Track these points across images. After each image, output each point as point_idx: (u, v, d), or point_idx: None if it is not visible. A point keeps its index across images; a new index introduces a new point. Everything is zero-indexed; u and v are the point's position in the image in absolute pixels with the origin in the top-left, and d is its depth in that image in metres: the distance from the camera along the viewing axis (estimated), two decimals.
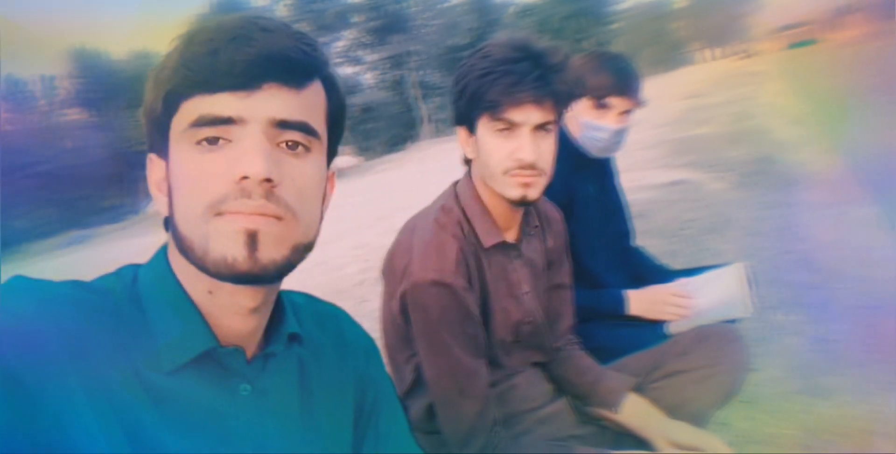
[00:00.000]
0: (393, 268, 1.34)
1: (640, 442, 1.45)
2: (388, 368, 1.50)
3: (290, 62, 0.71)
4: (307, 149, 0.73)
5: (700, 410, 1.53)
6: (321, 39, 21.67)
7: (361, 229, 6.77)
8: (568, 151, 1.90)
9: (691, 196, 4.87)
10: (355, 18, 22.18)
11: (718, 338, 1.58)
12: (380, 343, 1.48)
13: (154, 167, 0.75)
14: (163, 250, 0.78)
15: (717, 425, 1.94)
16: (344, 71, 22.26)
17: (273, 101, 0.70)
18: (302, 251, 0.74)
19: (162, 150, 0.73)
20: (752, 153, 6.46)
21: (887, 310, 2.66)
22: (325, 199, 0.80)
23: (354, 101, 20.98)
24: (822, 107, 8.43)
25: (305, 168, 0.73)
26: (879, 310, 2.67)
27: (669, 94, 15.23)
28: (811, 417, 2.01)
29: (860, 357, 2.31)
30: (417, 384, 1.39)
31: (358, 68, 22.23)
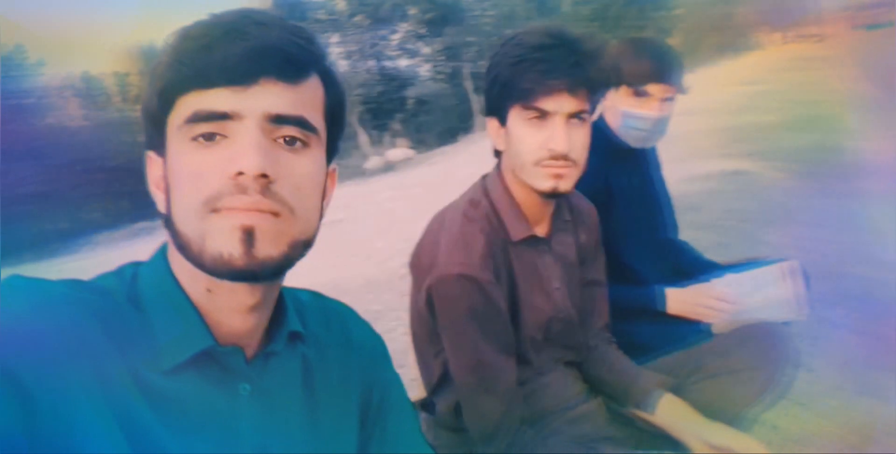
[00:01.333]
0: (420, 262, 1.32)
1: (677, 444, 1.39)
2: (416, 363, 1.49)
3: (286, 56, 0.70)
4: (305, 144, 0.72)
5: (741, 413, 1.46)
6: (378, 32, 21.83)
7: (411, 222, 6.76)
8: (606, 142, 1.84)
9: (748, 187, 4.68)
10: (411, 10, 22.27)
11: (763, 337, 1.50)
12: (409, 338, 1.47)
13: (152, 165, 0.74)
14: (162, 249, 0.77)
15: (765, 427, 1.86)
16: (400, 63, 22.36)
17: (269, 96, 0.69)
18: (300, 247, 0.73)
19: (160, 147, 0.72)
20: (817, 142, 6.18)
21: None
22: (325, 194, 0.78)
23: (409, 94, 21.07)
24: (880, 92, 7.99)
25: (303, 163, 0.72)
26: None
27: (732, 81, 14.70)
28: (867, 419, 1.90)
29: None
30: (445, 380, 1.37)
31: (414, 60, 22.29)
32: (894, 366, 2.12)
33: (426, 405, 1.47)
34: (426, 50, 22.04)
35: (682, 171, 5.37)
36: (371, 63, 21.74)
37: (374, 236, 5.15)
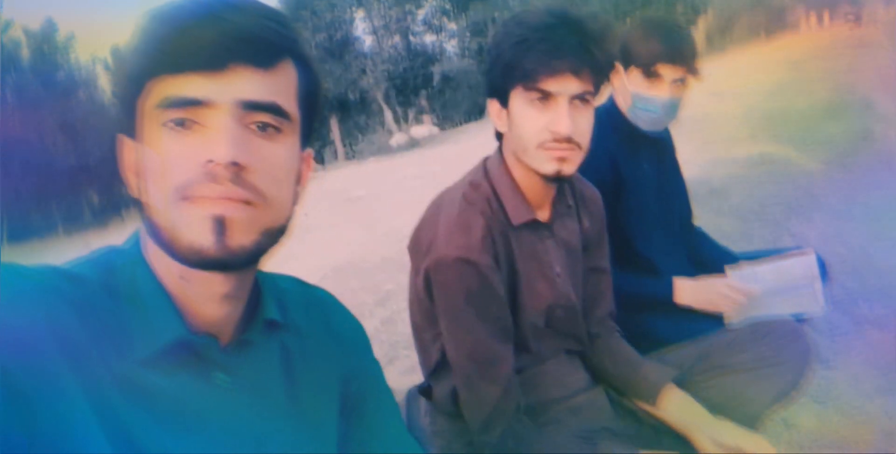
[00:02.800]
0: (418, 244, 1.30)
1: (680, 439, 1.35)
2: (414, 347, 1.46)
3: (258, 41, 0.68)
4: (278, 130, 0.70)
5: (750, 410, 1.42)
6: (404, 7, 21.60)
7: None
8: (616, 126, 1.79)
9: (776, 173, 4.55)
10: None
11: (778, 333, 1.45)
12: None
13: (124, 148, 0.73)
14: (136, 235, 0.76)
15: (780, 425, 1.81)
16: (425, 39, 22.18)
17: (240, 82, 0.67)
18: (274, 235, 0.71)
19: (131, 130, 0.71)
20: (852, 129, 5.97)
21: None
22: (300, 180, 0.77)
23: (435, 70, 20.90)
24: None
25: (276, 150, 0.70)
26: None
27: (767, 63, 14.30)
28: (891, 420, 1.83)
29: None
30: (443, 365, 1.35)
31: (439, 36, 22.10)
32: None
33: (424, 390, 1.45)
34: (452, 25, 21.83)
35: (707, 155, 5.24)
36: (396, 39, 21.57)
37: (393, 214, 5.11)
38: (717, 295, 1.65)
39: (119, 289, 0.71)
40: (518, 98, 1.22)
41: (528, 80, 1.18)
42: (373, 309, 3.00)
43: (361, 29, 21.18)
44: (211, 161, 0.65)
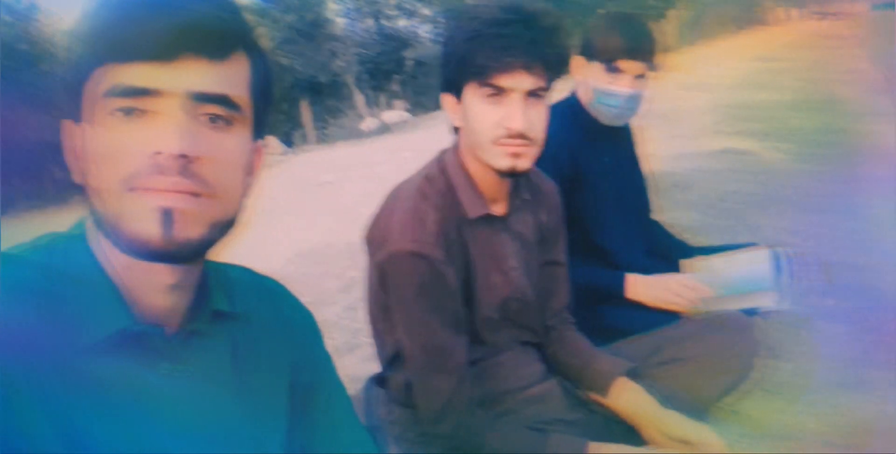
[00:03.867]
0: (373, 237, 1.30)
1: (631, 429, 1.39)
2: (371, 338, 1.47)
3: (210, 32, 0.67)
4: (229, 122, 0.69)
5: (698, 401, 1.46)
6: None
7: None
8: (578, 119, 1.81)
9: (744, 167, 4.61)
10: None
11: (725, 325, 1.50)
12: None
13: (69, 133, 0.71)
14: (81, 221, 0.75)
15: (729, 414, 1.85)
16: (398, 23, 21.97)
17: (191, 73, 0.66)
18: (222, 228, 0.71)
19: (76, 116, 0.70)
20: (817, 123, 6.10)
21: None
22: (251, 172, 0.76)
23: (408, 55, 20.77)
24: None
25: (226, 142, 0.69)
26: None
27: (736, 56, 14.47)
28: (840, 412, 1.89)
29: None
30: (398, 355, 1.35)
31: (412, 21, 21.92)
32: (883, 360, 2.10)
33: (380, 380, 1.45)
34: (425, 11, 21.65)
35: (673, 148, 5.30)
36: (369, 22, 21.35)
37: (361, 200, 5.08)
38: (670, 293, 1.68)
39: (62, 277, 0.70)
40: (471, 93, 1.22)
41: (481, 76, 1.18)
42: (336, 296, 3.00)
43: (333, 11, 20.89)
44: (159, 152, 0.64)
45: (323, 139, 17.17)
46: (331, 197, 6.12)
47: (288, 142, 16.23)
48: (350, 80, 20.07)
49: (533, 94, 1.20)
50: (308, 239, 4.32)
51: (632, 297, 1.72)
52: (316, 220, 5.01)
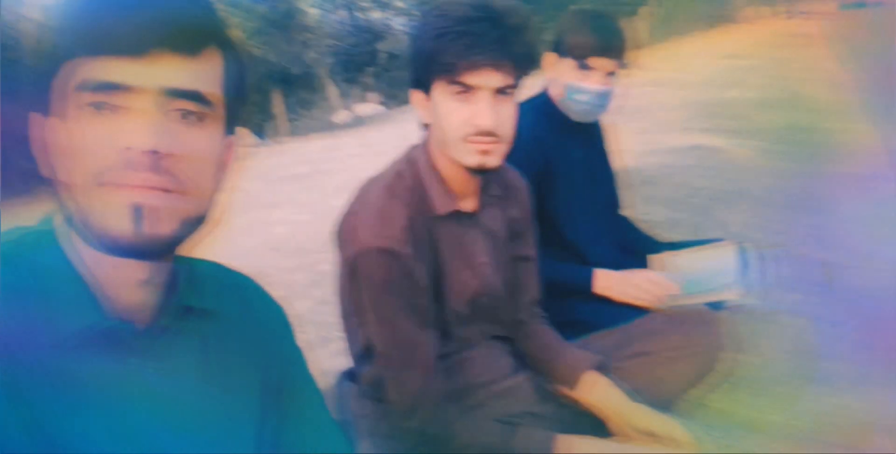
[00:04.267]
0: (342, 233, 1.30)
1: (599, 422, 1.41)
2: (342, 333, 1.47)
3: (182, 28, 0.67)
4: (201, 118, 0.69)
5: (665, 394, 1.50)
6: None
7: None
8: (549, 115, 1.83)
9: (706, 162, 4.69)
10: None
11: (690, 319, 1.54)
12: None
13: (38, 127, 0.70)
14: (50, 216, 0.74)
15: (695, 406, 1.89)
16: (372, 15, 21.81)
17: (163, 69, 0.66)
18: (193, 224, 0.71)
19: (44, 109, 0.69)
20: (783, 120, 6.21)
21: (894, 294, 2.54)
22: (223, 168, 0.76)
23: (381, 48, 20.64)
24: (863, 74, 8.07)
25: (198, 138, 0.69)
26: (887, 293, 2.55)
27: (705, 54, 14.65)
28: (801, 403, 1.94)
29: (867, 343, 2.21)
30: (368, 350, 1.36)
31: (386, 13, 21.76)
32: (847, 354, 2.15)
33: (351, 375, 1.46)
34: (399, 3, 21.53)
35: (643, 144, 5.36)
36: (342, 14, 21.16)
37: (333, 193, 5.07)
38: (636, 289, 1.71)
39: (31, 272, 0.70)
40: (440, 90, 1.22)
41: (449, 73, 1.19)
42: (308, 289, 2.99)
43: (306, 2, 20.66)
44: (131, 148, 0.64)
45: (295, 131, 17.02)
46: (303, 189, 6.09)
47: (260, 133, 16.07)
48: (323, 71, 19.90)
49: (501, 91, 1.21)
50: (280, 232, 4.30)
51: (599, 292, 1.75)
52: (288, 212, 4.98)
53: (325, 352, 2.38)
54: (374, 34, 21.25)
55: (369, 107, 16.02)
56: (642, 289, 1.70)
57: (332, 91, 19.57)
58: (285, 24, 19.65)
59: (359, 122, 14.02)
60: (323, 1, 21.12)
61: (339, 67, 20.59)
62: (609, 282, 1.74)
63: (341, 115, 15.29)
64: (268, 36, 18.96)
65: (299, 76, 19.86)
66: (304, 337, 2.72)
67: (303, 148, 9.74)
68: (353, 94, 19.88)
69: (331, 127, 14.56)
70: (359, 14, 21.75)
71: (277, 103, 18.82)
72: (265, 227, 4.53)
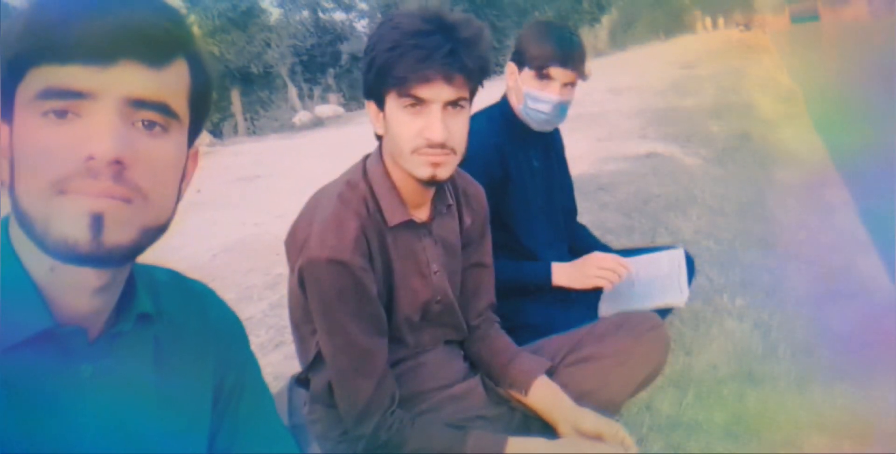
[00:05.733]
0: (293, 242, 1.30)
1: (547, 426, 1.43)
2: (293, 341, 1.47)
3: (150, 39, 0.66)
4: (164, 128, 0.69)
5: (610, 397, 1.52)
6: None
7: None
8: (508, 124, 1.86)
9: (661, 170, 4.79)
10: None
11: (637, 325, 1.56)
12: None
13: None
14: (4, 221, 0.72)
15: (640, 408, 1.93)
16: (335, 16, 21.70)
17: (129, 79, 0.65)
18: (152, 234, 0.70)
19: (6, 115, 0.67)
20: (732, 128, 6.38)
21: (836, 298, 2.64)
22: (184, 178, 0.75)
23: (343, 49, 20.53)
24: (813, 86, 8.36)
25: (161, 149, 0.68)
26: (828, 298, 2.66)
27: (662, 63, 15.01)
28: (742, 404, 2.00)
29: (801, 345, 2.29)
30: (320, 358, 1.36)
31: (350, 15, 21.69)
32: (783, 355, 2.23)
33: (302, 381, 1.46)
34: (363, 6, 21.49)
35: (599, 151, 5.46)
36: (305, 14, 20.99)
37: (290, 195, 5.02)
38: (592, 270, 1.74)
39: None
40: (392, 103, 1.23)
41: (401, 86, 1.19)
42: (262, 292, 2.95)
43: (268, 0, 20.46)
44: (92, 157, 0.63)
45: (253, 131, 16.81)
46: (259, 191, 6.02)
47: (217, 133, 15.82)
48: (284, 71, 19.70)
49: (453, 104, 1.21)
50: (234, 233, 4.24)
51: (558, 284, 1.77)
52: (243, 213, 4.92)
53: (278, 355, 2.36)
54: (337, 35, 21.13)
55: (329, 108, 15.87)
56: (598, 268, 1.74)
57: (292, 91, 19.39)
58: (246, 22, 19.42)
59: (318, 123, 13.89)
60: (285, 0, 20.93)
61: (300, 67, 20.42)
62: (567, 273, 1.77)
63: (300, 116, 15.14)
64: (227, 34, 18.72)
65: (259, 76, 19.64)
66: (257, 340, 2.70)
67: (260, 148, 9.62)
68: (314, 95, 19.73)
69: (290, 127, 14.41)
70: (322, 15, 21.62)
71: (236, 103, 18.57)
72: (220, 227, 4.47)
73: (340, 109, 15.94)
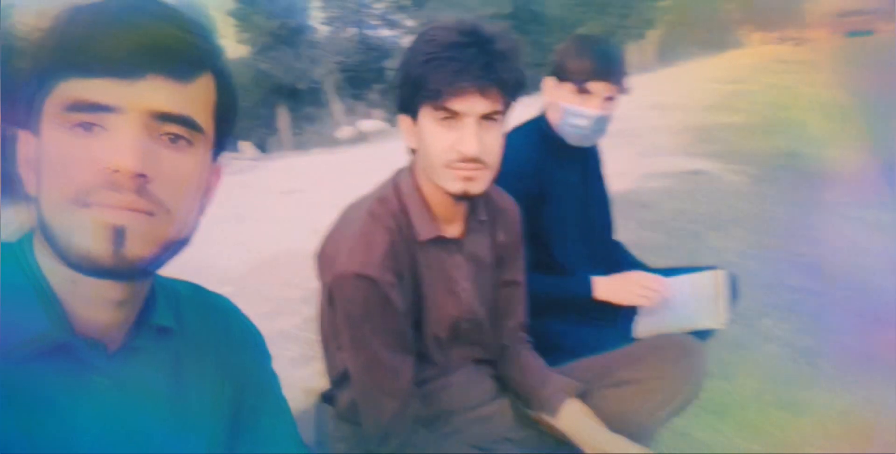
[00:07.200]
0: (323, 257, 1.29)
1: (577, 451, 1.39)
2: (320, 354, 1.46)
3: (177, 54, 0.67)
4: (189, 142, 0.69)
5: (643, 423, 1.47)
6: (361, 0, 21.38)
7: None
8: (545, 139, 1.84)
9: (704, 188, 4.70)
10: None
11: (674, 348, 1.51)
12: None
13: (25, 145, 0.70)
14: (30, 234, 0.73)
15: (676, 435, 1.88)
16: (381, 33, 22.03)
17: (155, 93, 0.66)
18: (174, 247, 0.71)
19: (34, 127, 0.69)
20: (780, 146, 6.24)
21: (885, 325, 2.53)
22: (208, 192, 0.76)
23: (388, 66, 20.80)
24: (865, 103, 8.11)
25: (185, 162, 0.69)
26: (876, 323, 2.55)
27: (709, 78, 14.76)
28: (783, 435, 1.92)
29: (846, 372, 2.20)
30: (346, 374, 1.34)
31: (395, 31, 21.98)
32: (816, 380, 2.15)
33: (328, 397, 1.45)
34: (409, 22, 21.74)
35: (642, 168, 5.38)
36: (352, 31, 21.40)
37: (328, 210, 5.07)
38: (633, 287, 1.71)
39: (4, 287, 0.69)
40: (426, 116, 1.22)
41: (435, 99, 1.18)
42: (297, 306, 2.97)
43: (317, 19, 20.89)
44: (117, 171, 0.64)
45: (298, 146, 17.10)
46: (299, 205, 6.09)
47: (263, 147, 16.14)
48: (329, 87, 20.04)
49: (488, 117, 1.20)
50: (272, 247, 4.30)
51: (600, 298, 1.74)
52: (282, 228, 4.98)
53: (310, 370, 2.37)
54: (383, 52, 21.44)
55: (373, 123, 16.07)
56: (640, 286, 1.70)
57: (336, 107, 19.69)
58: (294, 40, 19.85)
59: (362, 137, 14.07)
60: (333, 18, 21.34)
61: (346, 84, 20.75)
62: (608, 287, 1.74)
63: (345, 131, 15.34)
64: (276, 51, 19.15)
65: (305, 92, 20.01)
66: (289, 354, 2.71)
67: (303, 163, 9.76)
68: (358, 111, 19.99)
69: (334, 142, 14.60)
70: (368, 32, 21.97)
71: (283, 118, 18.93)
72: (259, 241, 4.53)
73: (384, 124, 16.11)
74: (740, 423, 1.95)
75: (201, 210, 0.75)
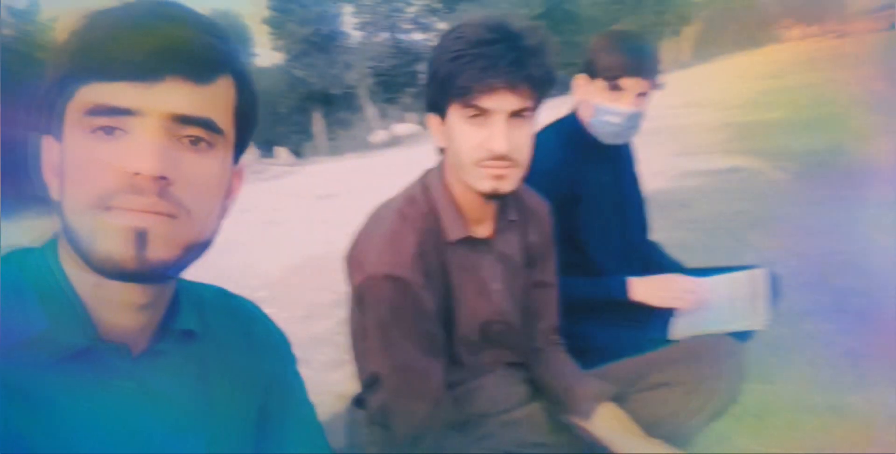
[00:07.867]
0: (353, 258, 1.28)
1: None
2: (351, 357, 1.46)
3: (196, 56, 0.67)
4: (210, 145, 0.70)
5: (681, 427, 1.43)
6: (393, 4, 21.52)
7: None
8: (577, 137, 1.81)
9: (744, 186, 4.59)
10: None
11: (712, 350, 1.47)
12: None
13: (49, 150, 0.71)
14: (54, 239, 0.75)
15: (716, 439, 1.83)
16: (413, 37, 22.14)
17: (175, 95, 0.66)
18: (196, 250, 0.71)
19: (57, 132, 0.69)
20: (822, 142, 6.06)
21: None
22: (229, 194, 0.76)
23: (421, 69, 20.90)
24: None
25: (205, 164, 0.69)
26: None
27: (748, 74, 14.46)
28: (827, 439, 1.86)
29: (892, 375, 2.12)
30: (377, 378, 1.33)
31: (427, 35, 22.05)
32: (859, 382, 2.08)
33: (359, 401, 1.44)
34: (441, 25, 21.82)
35: (679, 166, 5.29)
36: (384, 35, 21.55)
37: (362, 213, 5.11)
38: (671, 289, 1.67)
39: (29, 292, 0.70)
40: (455, 114, 1.20)
41: (464, 96, 1.16)
42: (330, 309, 2.98)
43: (349, 24, 21.10)
44: (138, 173, 0.64)
45: (333, 151, 17.27)
46: (333, 209, 6.14)
47: (298, 153, 16.34)
48: (363, 92, 20.21)
49: (517, 114, 1.18)
50: (307, 251, 4.33)
51: (635, 299, 1.70)
52: (317, 231, 5.02)
53: (342, 374, 2.37)
54: (415, 56, 21.54)
55: (406, 126, 16.13)
56: (678, 289, 1.67)
57: (370, 111, 19.84)
58: (328, 46, 20.07)
59: (396, 141, 14.14)
60: (366, 23, 21.51)
61: (379, 88, 20.89)
62: (645, 288, 1.70)
63: (378, 135, 15.44)
64: (310, 57, 19.38)
65: (339, 97, 20.21)
66: (322, 358, 2.72)
67: (338, 167, 9.86)
68: (392, 115, 20.12)
69: (368, 146, 14.70)
70: (400, 36, 22.09)
71: (317, 123, 19.14)
72: (294, 245, 4.58)
73: (417, 127, 16.17)
74: (781, 428, 1.89)
75: (223, 212, 0.75)
